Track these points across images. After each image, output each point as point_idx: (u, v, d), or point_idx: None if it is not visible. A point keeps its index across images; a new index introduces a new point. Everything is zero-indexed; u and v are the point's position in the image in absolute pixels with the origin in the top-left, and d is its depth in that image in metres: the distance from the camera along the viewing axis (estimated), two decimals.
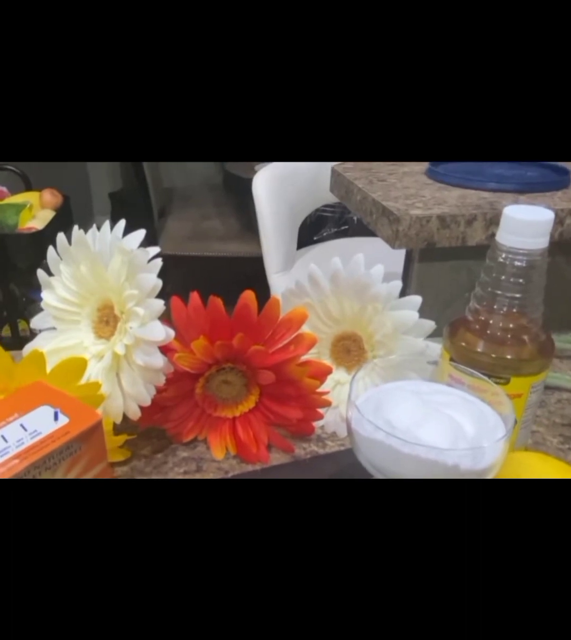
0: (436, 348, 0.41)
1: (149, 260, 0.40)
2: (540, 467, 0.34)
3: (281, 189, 1.12)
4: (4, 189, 1.37)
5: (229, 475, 0.40)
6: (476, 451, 0.27)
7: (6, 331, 1.35)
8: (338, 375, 0.46)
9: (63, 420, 0.25)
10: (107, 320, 0.44)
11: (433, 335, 0.42)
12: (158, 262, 0.40)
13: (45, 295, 0.45)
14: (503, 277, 0.34)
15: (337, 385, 0.45)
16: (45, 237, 1.22)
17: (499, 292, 0.34)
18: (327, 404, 0.43)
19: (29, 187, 1.49)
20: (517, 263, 0.33)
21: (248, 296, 0.39)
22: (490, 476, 0.28)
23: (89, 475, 0.26)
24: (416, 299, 0.41)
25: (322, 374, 0.42)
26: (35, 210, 1.36)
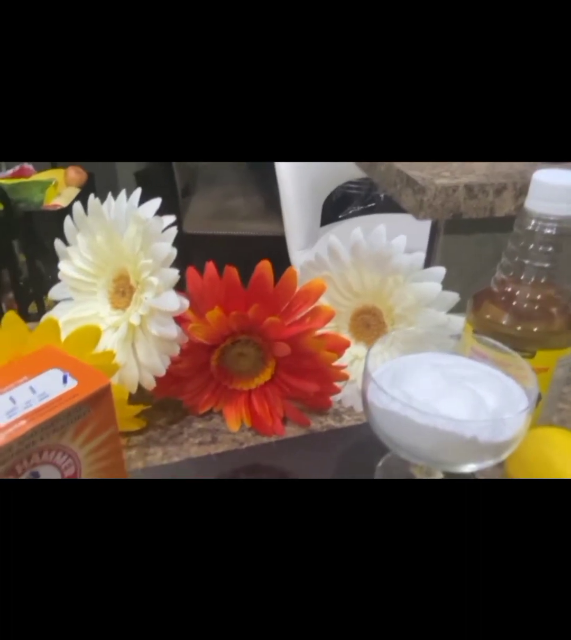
0: (458, 321, 0.39)
1: (164, 230, 0.39)
2: (563, 442, 0.32)
3: (304, 164, 1.10)
4: (30, 166, 1.39)
5: (244, 447, 0.40)
6: (496, 423, 0.26)
7: (33, 308, 1.38)
8: (357, 349, 0.45)
9: (72, 383, 0.25)
10: (123, 291, 0.44)
11: (457, 311, 0.40)
12: (173, 230, 0.39)
13: (62, 265, 0.45)
14: (531, 246, 0.32)
15: (355, 360, 0.44)
16: (70, 214, 1.24)
17: (527, 261, 0.32)
18: (345, 377, 0.42)
19: (54, 165, 1.51)
20: (547, 230, 0.31)
21: (264, 266, 0.38)
22: (510, 450, 0.27)
23: (98, 440, 0.26)
24: (439, 271, 0.39)
25: (340, 347, 0.41)
26: (60, 187, 1.38)
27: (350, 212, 1.42)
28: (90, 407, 0.25)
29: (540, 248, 0.32)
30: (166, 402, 0.44)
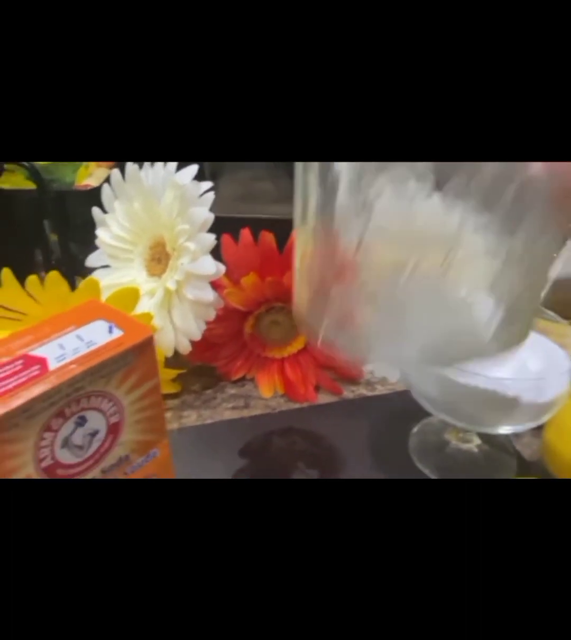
0: None
1: (201, 195, 0.39)
2: None
3: None
4: None
5: (276, 411, 0.40)
6: (539, 383, 0.26)
7: None
8: None
9: (117, 333, 0.25)
10: (159, 259, 0.44)
11: None
12: (211, 195, 0.39)
13: (100, 232, 0.46)
14: None
15: None
16: (100, 195, 1.25)
17: None
18: None
19: None
20: None
21: None
22: (551, 413, 0.27)
23: (141, 390, 0.26)
24: None
25: None
26: (91, 167, 1.40)
27: None
28: (135, 356, 0.25)
29: None
30: (200, 368, 0.45)
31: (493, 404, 0.26)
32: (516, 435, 0.36)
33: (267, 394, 0.42)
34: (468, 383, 0.26)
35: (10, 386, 0.22)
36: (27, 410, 0.21)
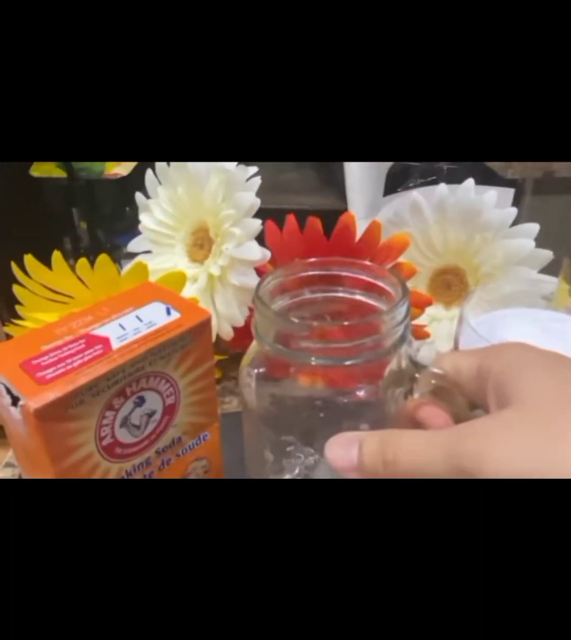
0: (551, 281, 0.37)
1: (248, 179, 0.39)
2: None
3: None
4: None
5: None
6: None
7: None
8: (435, 310, 0.43)
9: (175, 314, 0.25)
10: (201, 244, 0.44)
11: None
12: (257, 180, 0.39)
13: (143, 217, 0.46)
14: None
15: (433, 321, 0.43)
16: (129, 184, 1.26)
17: None
18: (426, 335, 0.41)
19: None
20: None
21: (349, 218, 0.38)
22: None
23: (197, 372, 0.26)
24: (532, 227, 0.37)
25: (421, 303, 0.40)
26: None
27: (410, 185, 1.38)
28: (193, 338, 0.25)
29: None
30: (240, 355, 0.44)
31: None
32: None
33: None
34: None
35: (75, 364, 0.22)
36: (92, 388, 0.21)
